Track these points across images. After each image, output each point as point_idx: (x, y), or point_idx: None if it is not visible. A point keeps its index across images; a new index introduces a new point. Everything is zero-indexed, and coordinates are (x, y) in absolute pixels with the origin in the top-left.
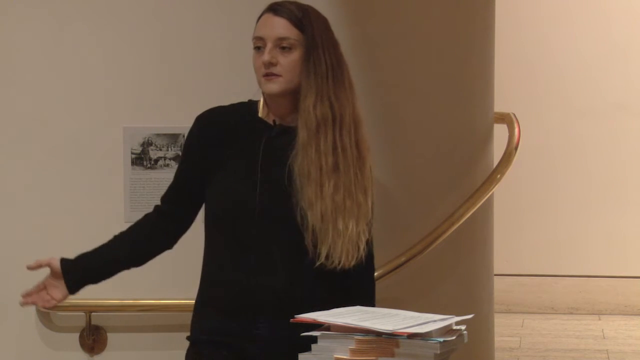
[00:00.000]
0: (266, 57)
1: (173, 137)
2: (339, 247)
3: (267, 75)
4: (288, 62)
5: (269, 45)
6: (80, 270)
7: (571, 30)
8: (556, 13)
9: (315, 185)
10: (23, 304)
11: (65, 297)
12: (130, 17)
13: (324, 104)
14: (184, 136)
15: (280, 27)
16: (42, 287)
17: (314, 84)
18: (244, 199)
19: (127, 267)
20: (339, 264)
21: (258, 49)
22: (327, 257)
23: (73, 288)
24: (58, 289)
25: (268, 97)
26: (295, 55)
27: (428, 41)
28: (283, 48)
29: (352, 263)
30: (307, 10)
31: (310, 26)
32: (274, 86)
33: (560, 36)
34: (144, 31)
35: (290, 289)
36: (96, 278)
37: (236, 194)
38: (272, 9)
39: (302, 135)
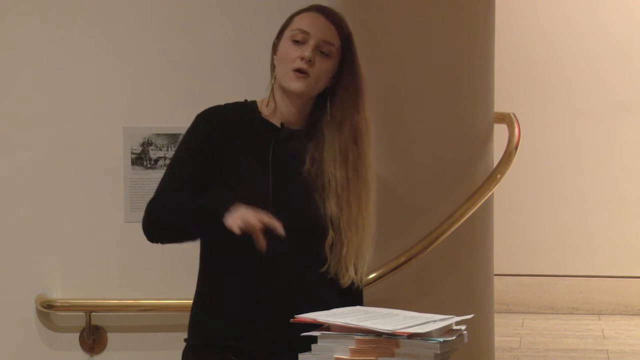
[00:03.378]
0: (308, 52)
1: (173, 137)
2: (361, 253)
3: (299, 70)
4: (322, 68)
5: (312, 42)
6: None
7: (571, 30)
8: (556, 13)
9: (343, 194)
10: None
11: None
12: (130, 17)
13: (353, 117)
14: None
15: (329, 30)
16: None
17: (347, 97)
18: (258, 202)
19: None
20: (358, 272)
21: (296, 42)
22: (348, 263)
23: None
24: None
25: (284, 94)
26: (330, 64)
27: (428, 41)
28: (322, 52)
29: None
30: (348, 27)
31: (350, 44)
32: (301, 85)
33: (560, 36)
34: (144, 31)
35: (300, 292)
36: None
37: (249, 197)
38: (322, 11)
39: (329, 143)
